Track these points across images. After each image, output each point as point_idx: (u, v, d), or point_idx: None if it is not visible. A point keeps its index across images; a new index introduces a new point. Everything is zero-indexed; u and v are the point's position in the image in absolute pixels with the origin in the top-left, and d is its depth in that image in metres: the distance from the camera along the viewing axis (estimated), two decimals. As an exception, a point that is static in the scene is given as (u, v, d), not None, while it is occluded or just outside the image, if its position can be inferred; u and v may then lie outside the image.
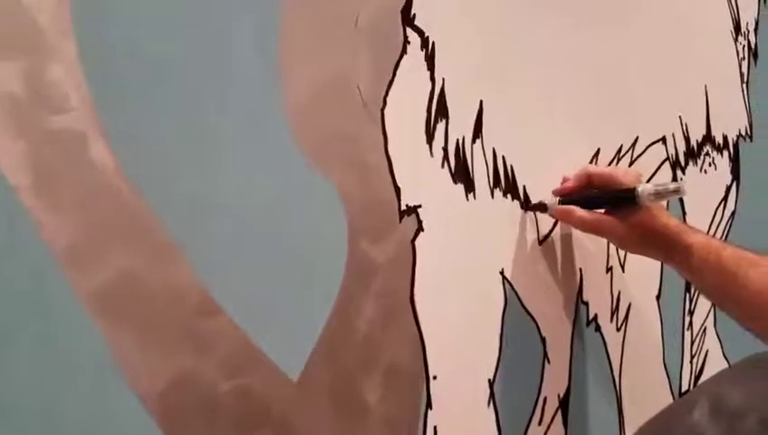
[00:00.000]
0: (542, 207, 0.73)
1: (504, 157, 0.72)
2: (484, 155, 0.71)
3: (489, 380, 0.69)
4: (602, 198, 0.71)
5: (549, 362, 0.75)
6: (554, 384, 0.75)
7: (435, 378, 0.64)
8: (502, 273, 0.72)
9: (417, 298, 0.63)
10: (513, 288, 0.72)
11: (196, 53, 0.51)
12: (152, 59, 0.48)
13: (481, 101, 0.70)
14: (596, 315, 0.81)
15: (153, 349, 0.48)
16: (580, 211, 0.70)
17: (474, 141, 0.70)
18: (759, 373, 1.04)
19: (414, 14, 0.64)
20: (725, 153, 0.96)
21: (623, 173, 0.72)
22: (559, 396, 0.76)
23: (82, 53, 0.45)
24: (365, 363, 0.59)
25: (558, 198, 0.73)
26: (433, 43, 0.65)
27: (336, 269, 0.58)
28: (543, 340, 0.75)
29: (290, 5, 0.56)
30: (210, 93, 0.51)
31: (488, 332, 0.70)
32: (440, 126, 0.67)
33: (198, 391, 0.49)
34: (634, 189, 0.68)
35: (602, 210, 0.71)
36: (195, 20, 0.51)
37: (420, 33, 0.64)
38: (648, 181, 0.79)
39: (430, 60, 0.65)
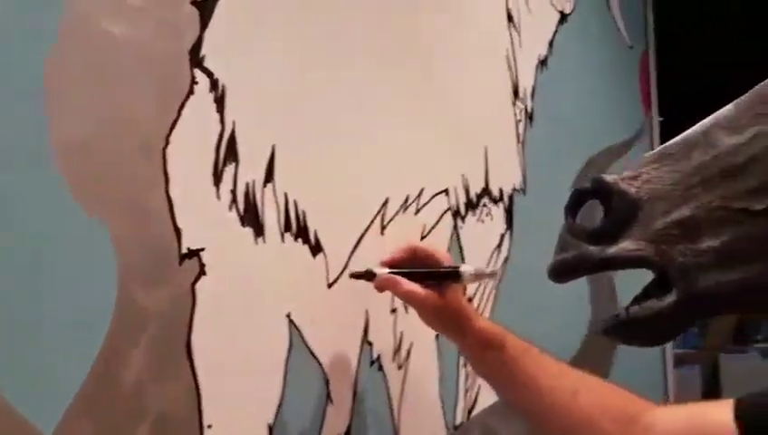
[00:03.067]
0: (369, 276, 0.74)
1: (296, 201, 0.74)
2: (276, 199, 0.72)
3: (269, 424, 0.69)
4: (428, 274, 0.74)
5: (332, 402, 0.77)
6: (335, 424, 0.77)
7: (209, 427, 0.62)
8: (288, 316, 0.72)
9: (194, 344, 0.62)
10: (299, 331, 0.73)
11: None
12: None
13: (273, 146, 0.71)
14: (380, 355, 0.84)
15: None
16: (407, 284, 0.73)
17: (265, 185, 0.70)
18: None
19: (203, 56, 0.63)
20: (501, 205, 1.06)
21: (439, 250, 0.78)
22: (339, 436, 0.78)
23: None
24: (131, 416, 0.56)
25: (387, 269, 0.74)
26: (223, 86, 0.65)
27: (102, 317, 0.55)
28: (327, 381, 0.76)
29: (63, 41, 0.52)
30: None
31: (270, 376, 0.70)
32: (229, 169, 0.66)
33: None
34: (458, 269, 0.73)
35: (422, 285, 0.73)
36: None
37: (210, 74, 0.63)
38: (430, 233, 0.84)
39: (220, 102, 0.65)
